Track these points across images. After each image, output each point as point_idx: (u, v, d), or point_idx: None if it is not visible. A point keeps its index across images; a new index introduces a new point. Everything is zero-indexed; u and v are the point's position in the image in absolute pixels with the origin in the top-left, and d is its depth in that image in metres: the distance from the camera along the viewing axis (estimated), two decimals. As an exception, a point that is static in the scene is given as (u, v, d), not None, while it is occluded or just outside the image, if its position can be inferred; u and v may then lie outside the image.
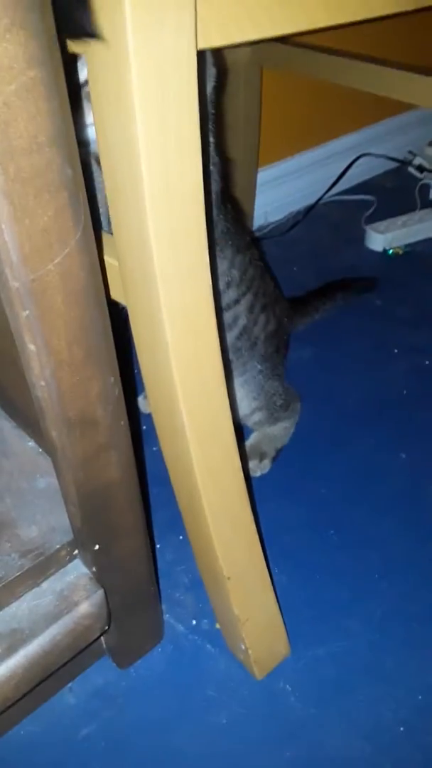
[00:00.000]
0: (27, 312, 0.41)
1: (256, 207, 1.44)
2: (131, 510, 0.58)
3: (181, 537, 0.83)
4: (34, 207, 0.37)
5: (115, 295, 0.54)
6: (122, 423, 0.52)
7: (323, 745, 0.64)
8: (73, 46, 0.41)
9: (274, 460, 0.93)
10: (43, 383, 0.45)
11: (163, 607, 0.75)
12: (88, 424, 0.49)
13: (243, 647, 0.67)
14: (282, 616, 0.70)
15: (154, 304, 0.49)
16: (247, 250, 0.83)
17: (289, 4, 0.45)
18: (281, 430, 0.95)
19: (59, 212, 0.39)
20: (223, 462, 0.58)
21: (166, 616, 0.75)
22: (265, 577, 0.66)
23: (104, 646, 0.67)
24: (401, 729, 0.65)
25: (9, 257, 0.38)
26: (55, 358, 0.44)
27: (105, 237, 0.53)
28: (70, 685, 0.68)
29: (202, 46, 0.41)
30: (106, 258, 0.53)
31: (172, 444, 0.58)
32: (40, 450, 0.65)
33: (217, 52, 1.09)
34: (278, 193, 1.51)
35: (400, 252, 1.45)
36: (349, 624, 0.74)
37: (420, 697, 0.68)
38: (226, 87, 1.18)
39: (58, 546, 0.56)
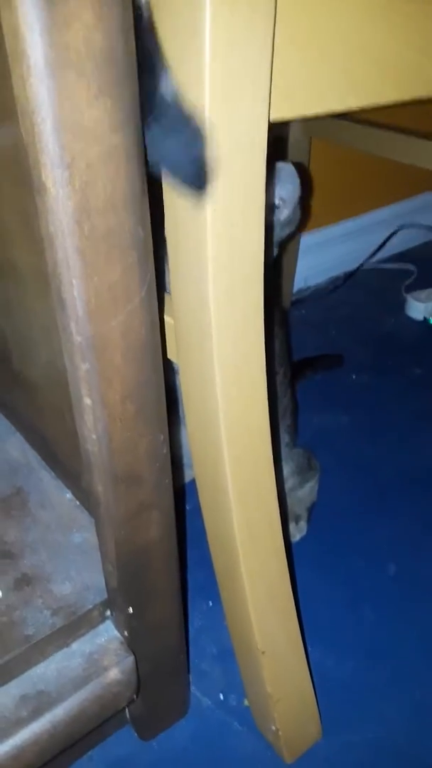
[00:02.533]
0: (87, 365, 0.41)
1: (297, 270, 1.46)
2: (168, 573, 0.56)
3: (210, 603, 0.81)
4: (104, 265, 0.38)
5: (170, 353, 0.54)
6: (167, 482, 0.52)
7: None
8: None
9: (309, 521, 0.91)
10: (94, 437, 0.44)
11: (190, 678, 0.72)
12: (134, 481, 0.48)
13: (273, 728, 0.63)
14: (315, 697, 0.66)
15: (206, 362, 0.49)
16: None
17: (359, 82, 0.46)
18: (308, 490, 0.93)
19: (127, 271, 0.39)
20: (265, 526, 0.56)
21: (192, 688, 0.71)
22: (300, 654, 0.63)
23: (128, 715, 0.64)
24: None
25: (75, 312, 0.39)
26: (108, 412, 0.44)
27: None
28: (90, 753, 0.64)
29: (273, 117, 0.43)
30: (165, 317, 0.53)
31: (213, 505, 0.57)
32: (78, 503, 0.65)
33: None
34: (320, 257, 1.53)
35: (442, 322, 1.45)
36: (385, 709, 0.70)
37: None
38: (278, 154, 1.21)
39: (90, 606, 0.55)
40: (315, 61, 0.43)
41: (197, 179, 0.40)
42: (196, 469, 0.58)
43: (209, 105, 0.38)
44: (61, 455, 0.64)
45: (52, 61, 0.31)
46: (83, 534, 0.61)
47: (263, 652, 0.59)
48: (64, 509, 0.64)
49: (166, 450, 0.50)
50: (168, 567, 0.55)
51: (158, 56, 0.39)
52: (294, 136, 1.21)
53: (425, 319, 1.45)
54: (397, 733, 0.68)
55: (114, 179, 0.36)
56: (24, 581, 0.57)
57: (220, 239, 0.43)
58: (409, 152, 1.10)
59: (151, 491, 0.50)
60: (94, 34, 0.32)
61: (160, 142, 0.40)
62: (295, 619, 0.61)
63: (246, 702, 0.70)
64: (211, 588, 0.70)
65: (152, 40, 0.39)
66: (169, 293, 0.51)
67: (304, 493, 0.93)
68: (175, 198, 0.44)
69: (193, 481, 0.59)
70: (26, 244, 0.49)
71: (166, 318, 0.53)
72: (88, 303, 0.39)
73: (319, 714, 0.67)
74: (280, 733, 0.63)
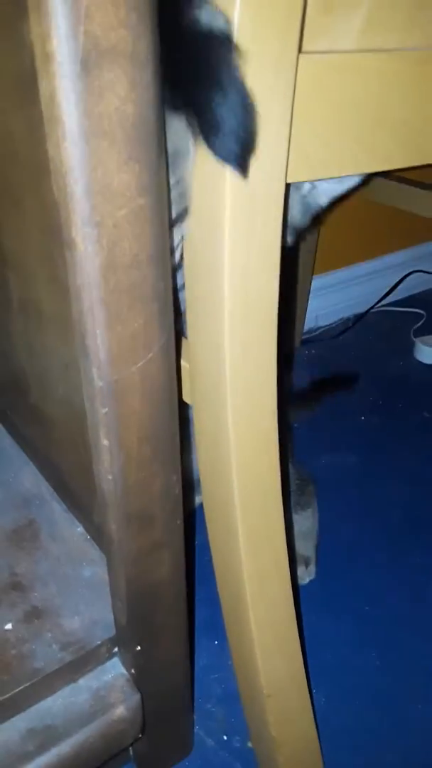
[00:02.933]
0: (106, 409, 0.43)
1: (308, 310, 1.48)
2: (176, 612, 0.57)
3: (216, 642, 0.81)
4: (127, 315, 0.40)
5: (184, 395, 0.56)
6: (178, 522, 0.53)
7: None
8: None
9: (317, 563, 0.91)
10: (110, 477, 0.46)
11: (194, 717, 0.72)
12: (147, 520, 0.50)
13: (276, 772, 0.63)
14: (319, 741, 0.66)
15: (220, 406, 0.51)
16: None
17: (372, 149, 0.49)
18: (309, 519, 0.93)
19: (148, 321, 0.41)
20: (274, 569, 0.57)
21: (196, 728, 0.71)
22: (306, 698, 0.63)
23: (131, 753, 0.64)
24: None
25: (98, 358, 0.41)
26: (125, 453, 0.45)
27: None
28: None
29: (289, 180, 0.45)
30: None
31: (222, 548, 0.58)
32: (88, 537, 0.66)
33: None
34: (331, 299, 1.56)
35: (450, 366, 1.47)
36: (389, 756, 0.69)
37: None
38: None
39: (99, 642, 0.55)
40: (328, 125, 0.45)
41: (240, 150, 0.40)
42: (206, 510, 0.59)
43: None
44: (74, 488, 0.66)
45: (86, 129, 0.34)
46: (93, 568, 0.62)
47: (268, 696, 0.59)
48: (75, 543, 0.65)
49: (178, 490, 0.52)
50: (177, 606, 0.56)
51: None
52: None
53: (435, 364, 1.47)
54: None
55: (139, 238, 0.38)
56: (34, 614, 0.58)
57: (236, 290, 0.45)
58: (415, 203, 1.14)
59: (162, 531, 0.52)
60: (127, 104, 0.35)
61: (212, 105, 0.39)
62: (301, 663, 0.62)
63: (249, 744, 0.69)
64: (218, 626, 0.70)
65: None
66: (187, 338, 0.54)
67: (306, 524, 0.92)
68: (193, 244, 0.46)
69: (202, 507, 0.60)
70: (50, 288, 0.52)
71: (183, 362, 0.55)
72: (110, 351, 0.41)
73: (323, 759, 0.67)
74: (283, 777, 0.63)
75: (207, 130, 0.41)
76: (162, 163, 0.39)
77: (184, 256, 0.49)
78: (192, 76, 0.41)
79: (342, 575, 0.91)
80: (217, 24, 0.38)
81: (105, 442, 0.44)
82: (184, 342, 0.55)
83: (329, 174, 0.48)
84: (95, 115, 0.34)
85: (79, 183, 0.35)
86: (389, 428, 1.24)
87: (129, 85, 0.35)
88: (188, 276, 0.50)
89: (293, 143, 0.43)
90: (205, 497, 0.58)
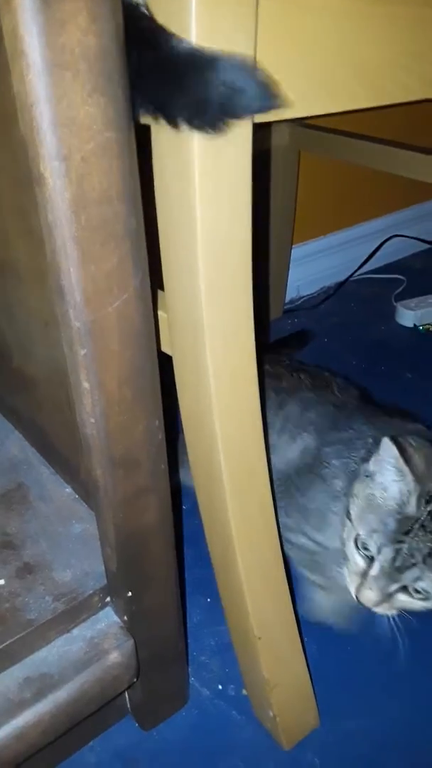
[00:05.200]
0: (85, 351, 0.43)
1: (288, 281, 1.49)
2: (165, 559, 0.58)
3: (209, 599, 0.82)
4: (100, 254, 0.41)
5: (164, 346, 0.57)
6: (163, 467, 0.54)
7: None
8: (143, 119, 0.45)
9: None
10: (93, 420, 0.46)
11: (189, 669, 0.73)
12: (132, 464, 0.50)
13: (271, 714, 0.65)
14: (312, 686, 0.67)
15: (199, 355, 0.52)
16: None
17: (336, 86, 0.50)
18: None
19: (122, 260, 0.42)
20: (259, 514, 0.58)
21: (191, 680, 0.73)
22: (296, 640, 0.65)
23: (128, 704, 0.65)
24: None
25: (74, 298, 0.41)
26: (106, 396, 0.46)
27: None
28: (91, 743, 0.65)
29: (256, 121, 0.46)
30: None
31: (208, 493, 0.59)
32: (77, 496, 0.66)
33: (261, 135, 1.18)
34: (311, 268, 1.57)
35: (431, 329, 1.48)
36: (383, 699, 0.71)
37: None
38: (267, 168, 1.25)
39: (91, 591, 0.56)
40: (293, 64, 0.46)
41: (223, 110, 0.40)
42: (191, 458, 0.60)
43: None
44: (61, 449, 0.66)
45: (49, 61, 0.34)
46: (83, 525, 0.63)
47: (259, 638, 0.61)
48: (64, 502, 0.66)
49: (161, 436, 0.53)
50: (165, 552, 0.57)
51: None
52: (282, 149, 1.25)
53: (415, 326, 1.48)
54: (394, 723, 0.69)
55: (108, 172, 0.38)
56: (26, 570, 0.58)
57: (210, 233, 0.46)
58: (396, 163, 1.14)
59: (148, 476, 0.52)
60: (89, 36, 0.35)
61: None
62: (289, 604, 0.63)
63: (244, 692, 0.71)
64: (210, 585, 0.71)
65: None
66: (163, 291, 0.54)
67: None
68: (166, 189, 0.47)
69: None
70: (23, 242, 0.52)
71: (160, 312, 0.55)
72: (85, 290, 0.41)
73: (317, 703, 0.68)
74: (277, 719, 0.65)
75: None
76: (127, 98, 0.39)
77: (157, 206, 0.50)
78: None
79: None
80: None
81: (85, 384, 0.45)
82: (160, 293, 0.55)
83: (294, 114, 0.48)
84: (58, 47, 0.35)
85: (44, 116, 0.35)
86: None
87: (90, 16, 0.35)
88: (161, 225, 0.50)
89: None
90: (189, 445, 0.59)
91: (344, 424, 0.77)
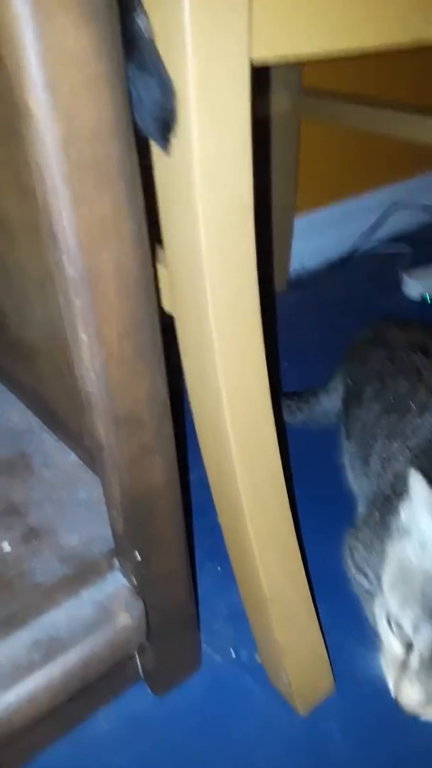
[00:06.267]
0: (81, 301, 0.42)
1: (293, 254, 1.47)
2: (173, 520, 0.57)
3: (220, 568, 0.81)
4: (93, 196, 0.39)
5: (164, 304, 0.55)
6: (168, 427, 0.52)
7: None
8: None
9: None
10: (93, 375, 0.45)
11: (201, 636, 0.73)
12: (135, 423, 0.49)
13: (285, 678, 0.64)
14: (327, 651, 0.66)
15: (202, 312, 0.50)
16: None
17: (337, 25, 0.48)
18: None
19: (117, 203, 0.40)
20: (268, 477, 0.57)
21: (204, 646, 0.72)
22: (308, 603, 0.63)
23: (140, 670, 0.65)
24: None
25: (67, 244, 0.40)
26: (105, 349, 0.45)
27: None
28: (104, 709, 0.65)
29: (254, 56, 0.44)
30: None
31: (215, 457, 0.57)
32: (81, 463, 0.65)
33: (261, 103, 1.15)
34: (315, 240, 1.55)
35: (439, 299, 1.46)
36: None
37: None
38: (267, 137, 1.23)
39: (98, 554, 0.56)
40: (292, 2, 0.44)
41: (159, 127, 0.42)
42: (196, 421, 0.58)
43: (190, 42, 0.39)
44: (63, 416, 0.65)
45: (33, -13, 0.33)
46: (88, 490, 0.62)
47: (271, 600, 0.59)
48: (68, 469, 0.65)
49: (165, 395, 0.51)
50: (172, 514, 0.56)
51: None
52: (283, 117, 1.23)
53: (422, 297, 1.46)
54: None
55: (98, 106, 0.37)
56: (32, 535, 0.57)
57: (207, 182, 0.44)
58: (401, 128, 1.11)
59: (152, 435, 0.51)
60: (73, -38, 0.34)
61: (132, 81, 0.41)
62: (301, 568, 0.62)
63: (258, 658, 0.70)
64: (220, 554, 0.70)
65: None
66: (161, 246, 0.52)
67: None
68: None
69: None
70: (17, 198, 0.50)
71: (159, 268, 0.54)
72: (79, 234, 0.40)
73: (333, 668, 0.67)
74: (292, 684, 0.64)
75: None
76: (117, 29, 0.37)
77: (153, 160, 0.48)
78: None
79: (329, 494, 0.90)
80: None
81: (83, 336, 0.44)
82: (159, 249, 0.54)
83: (295, 50, 0.46)
84: (41, -28, 0.33)
85: (30, 44, 0.34)
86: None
87: None
88: (158, 178, 0.48)
89: (255, 19, 0.41)
90: (194, 409, 0.58)
91: None
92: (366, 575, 0.62)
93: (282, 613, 0.61)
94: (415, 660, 0.45)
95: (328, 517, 0.88)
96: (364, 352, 0.89)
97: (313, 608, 0.64)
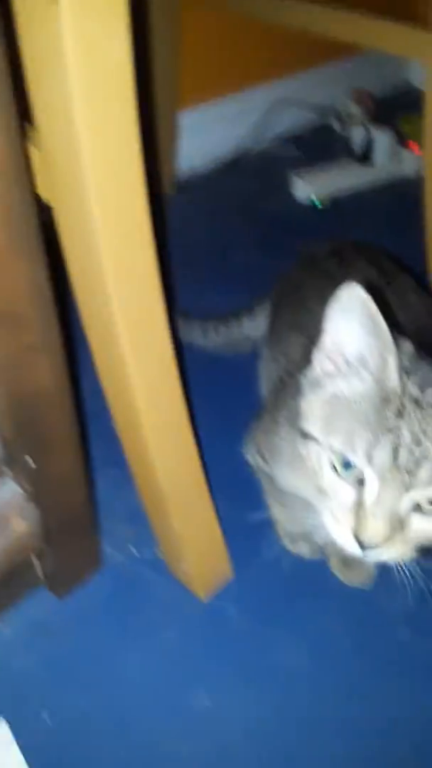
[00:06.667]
0: None
1: (180, 155, 1.41)
2: (64, 424, 0.55)
3: (116, 471, 0.81)
4: None
5: (40, 189, 0.50)
6: (54, 327, 0.50)
7: (269, 658, 0.65)
8: None
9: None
10: (-37, 266, 0.41)
11: (102, 538, 0.73)
12: (16, 320, 0.46)
13: (185, 567, 0.66)
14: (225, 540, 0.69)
15: (84, 200, 0.46)
16: None
17: None
18: None
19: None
20: (161, 370, 0.56)
21: (104, 547, 0.73)
22: (205, 493, 0.65)
23: (40, 574, 0.64)
24: (347, 641, 0.66)
25: None
26: (-25, 237, 0.40)
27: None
28: (5, 616, 0.65)
29: None
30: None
31: (105, 355, 0.55)
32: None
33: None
34: (202, 140, 1.49)
35: (327, 203, 1.46)
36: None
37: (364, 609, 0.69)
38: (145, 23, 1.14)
39: (-13, 462, 0.53)
40: None
41: None
42: (83, 318, 0.55)
43: None
44: None
45: None
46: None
47: (169, 492, 0.60)
48: None
49: (49, 292, 0.48)
50: (64, 417, 0.54)
51: None
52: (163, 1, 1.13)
53: (311, 201, 1.46)
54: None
55: None
56: None
57: (82, 48, 0.39)
58: (289, 15, 1.05)
59: (37, 334, 0.48)
60: None
61: None
62: (197, 459, 0.62)
63: (158, 554, 0.72)
64: (116, 459, 0.70)
65: None
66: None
67: None
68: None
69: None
70: None
71: (32, 150, 0.49)
72: None
73: (230, 554, 0.70)
74: (192, 571, 0.66)
75: None
76: None
77: (19, 27, 0.42)
78: None
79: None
80: None
81: None
82: (29, 128, 0.49)
83: None
84: None
85: None
86: (269, 266, 1.23)
87: None
88: (26, 49, 0.43)
89: None
90: (80, 305, 0.55)
91: None
92: (266, 459, 0.64)
93: (180, 504, 0.62)
94: (371, 493, 0.43)
95: (225, 418, 0.89)
96: (293, 270, 0.88)
97: (209, 498, 0.66)
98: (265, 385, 0.81)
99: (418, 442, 0.42)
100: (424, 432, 0.42)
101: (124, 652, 0.65)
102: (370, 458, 0.42)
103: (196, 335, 0.99)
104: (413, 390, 0.44)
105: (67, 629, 0.65)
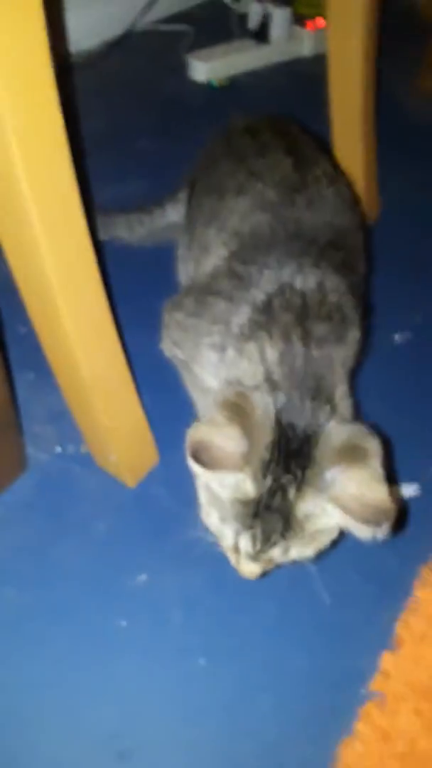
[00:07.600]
0: None
1: (67, 33, 1.29)
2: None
3: (34, 375, 0.79)
4: None
5: None
6: None
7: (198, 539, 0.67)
8: None
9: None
10: None
11: (25, 440, 0.72)
12: None
13: (113, 458, 0.67)
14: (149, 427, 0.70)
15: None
16: None
17: None
18: None
19: None
20: (79, 256, 0.54)
21: (28, 449, 0.71)
22: (129, 382, 0.65)
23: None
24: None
25: None
26: None
27: None
28: None
29: None
30: None
31: (16, 241, 0.52)
32: None
33: None
34: (88, 18, 1.36)
35: (224, 83, 1.40)
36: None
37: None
38: None
39: None
40: None
41: None
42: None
43: None
44: None
45: None
46: None
47: (92, 383, 0.59)
48: None
49: None
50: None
51: None
52: None
53: (208, 81, 1.40)
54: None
55: None
56: None
57: None
58: None
59: None
60: None
61: None
62: (119, 349, 0.62)
63: (84, 450, 0.72)
64: (32, 361, 0.68)
65: None
66: None
67: None
68: None
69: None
70: None
71: None
72: None
73: (155, 441, 0.71)
74: (120, 460, 0.67)
75: None
76: None
77: None
78: None
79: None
80: None
81: None
82: None
83: None
84: None
85: None
86: (176, 150, 1.18)
87: None
88: None
89: None
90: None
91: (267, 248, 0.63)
92: (181, 348, 0.65)
93: (105, 395, 0.62)
94: (244, 547, 0.54)
95: (145, 310, 0.87)
96: (210, 148, 0.83)
97: (133, 387, 0.66)
98: (182, 271, 0.80)
99: (268, 537, 0.52)
100: (274, 529, 0.52)
101: (59, 546, 0.65)
102: (237, 538, 0.54)
103: (120, 230, 0.95)
104: (266, 498, 0.51)
105: (-2, 530, 0.65)
